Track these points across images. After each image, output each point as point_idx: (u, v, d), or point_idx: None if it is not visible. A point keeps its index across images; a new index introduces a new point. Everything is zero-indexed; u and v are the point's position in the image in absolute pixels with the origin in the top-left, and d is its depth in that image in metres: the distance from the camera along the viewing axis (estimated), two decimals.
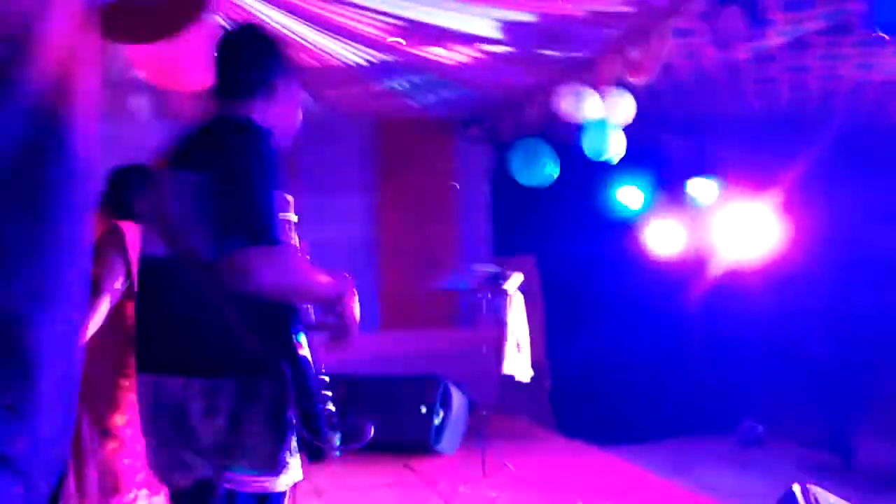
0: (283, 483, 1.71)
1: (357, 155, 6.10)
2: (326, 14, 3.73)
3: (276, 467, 1.69)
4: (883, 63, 4.37)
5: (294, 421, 1.66)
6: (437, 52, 4.23)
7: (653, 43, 3.83)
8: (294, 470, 1.73)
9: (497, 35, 3.99)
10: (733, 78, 4.72)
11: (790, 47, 4.11)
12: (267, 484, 1.69)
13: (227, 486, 1.65)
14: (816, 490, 3.79)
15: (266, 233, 1.56)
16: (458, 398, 5.40)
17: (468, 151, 6.06)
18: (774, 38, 4.00)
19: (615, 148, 4.41)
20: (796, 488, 3.75)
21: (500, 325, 4.89)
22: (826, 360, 6.78)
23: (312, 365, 1.71)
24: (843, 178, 6.16)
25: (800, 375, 6.99)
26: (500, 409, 6.07)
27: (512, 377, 5.14)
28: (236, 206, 1.59)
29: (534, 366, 5.32)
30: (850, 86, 4.92)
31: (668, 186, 6.84)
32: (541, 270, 7.07)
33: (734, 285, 7.43)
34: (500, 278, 4.74)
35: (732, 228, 6.76)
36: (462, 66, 4.45)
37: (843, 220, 6.34)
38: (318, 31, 3.97)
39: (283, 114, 1.87)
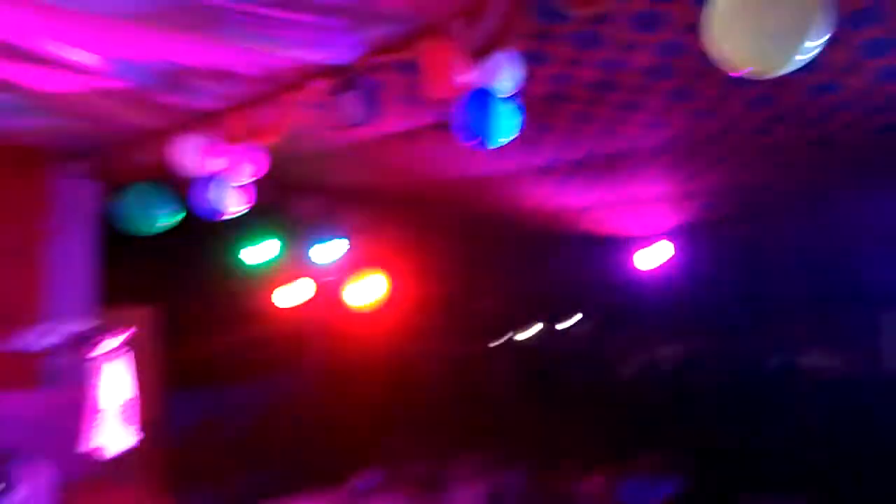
0: None
1: None
2: None
3: None
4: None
5: None
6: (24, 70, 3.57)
7: (278, 110, 3.77)
8: None
9: (106, 68, 3.52)
10: (356, 153, 4.89)
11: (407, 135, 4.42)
12: None
13: None
14: None
15: None
16: (32, 473, 4.55)
17: (69, 189, 5.22)
18: (393, 124, 4.26)
19: (231, 204, 4.19)
20: None
21: (86, 389, 4.26)
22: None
23: None
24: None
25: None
26: (99, 480, 5.26)
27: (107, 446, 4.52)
28: None
29: (148, 426, 4.71)
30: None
31: (297, 245, 6.89)
32: (164, 322, 6.67)
33: (353, 337, 7.84)
34: (87, 338, 4.13)
35: (354, 288, 7.26)
36: (60, 94, 3.84)
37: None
38: None
39: None
